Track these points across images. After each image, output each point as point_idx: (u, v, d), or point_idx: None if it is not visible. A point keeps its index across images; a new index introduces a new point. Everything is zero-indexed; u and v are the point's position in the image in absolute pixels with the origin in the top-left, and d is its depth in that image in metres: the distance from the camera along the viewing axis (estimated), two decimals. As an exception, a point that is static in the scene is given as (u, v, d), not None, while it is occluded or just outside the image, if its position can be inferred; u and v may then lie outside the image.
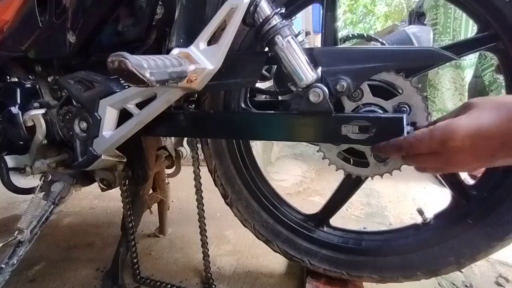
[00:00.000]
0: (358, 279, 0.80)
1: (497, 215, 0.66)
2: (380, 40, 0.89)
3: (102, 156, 0.71)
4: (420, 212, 0.76)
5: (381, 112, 0.62)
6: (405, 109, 0.61)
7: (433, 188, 1.69)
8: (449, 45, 0.74)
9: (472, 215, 0.69)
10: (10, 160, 0.83)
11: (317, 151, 0.70)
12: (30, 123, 0.80)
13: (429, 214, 0.76)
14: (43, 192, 0.82)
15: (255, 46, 0.73)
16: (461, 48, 0.67)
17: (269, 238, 0.86)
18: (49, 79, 0.83)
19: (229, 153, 0.85)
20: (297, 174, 2.03)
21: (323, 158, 0.70)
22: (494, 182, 0.68)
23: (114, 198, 1.49)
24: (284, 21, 0.58)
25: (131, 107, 0.67)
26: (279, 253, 0.86)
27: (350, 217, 1.38)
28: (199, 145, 0.87)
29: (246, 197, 0.87)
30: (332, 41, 0.69)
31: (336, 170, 0.70)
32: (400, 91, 0.62)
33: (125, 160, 0.78)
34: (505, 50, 0.64)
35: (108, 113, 0.68)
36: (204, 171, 0.86)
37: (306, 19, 3.90)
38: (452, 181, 0.73)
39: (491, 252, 0.67)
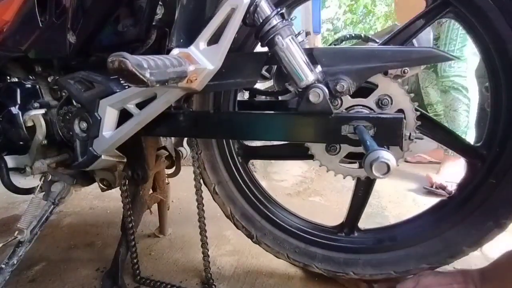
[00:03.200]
0: (406, 274, 0.78)
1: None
2: (378, 40, 0.89)
3: (102, 156, 0.71)
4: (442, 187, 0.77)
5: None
6: (387, 100, 0.63)
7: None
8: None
9: (492, 173, 0.68)
10: (10, 160, 0.83)
11: (319, 167, 0.70)
12: (30, 123, 0.80)
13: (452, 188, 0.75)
14: (43, 192, 0.82)
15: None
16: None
17: (306, 263, 0.85)
18: (49, 79, 0.83)
19: (241, 195, 0.87)
20: (297, 174, 2.03)
21: (327, 171, 0.70)
22: (501, 136, 0.67)
23: (114, 198, 1.49)
24: (284, 21, 0.58)
25: (131, 107, 0.67)
26: (321, 273, 0.85)
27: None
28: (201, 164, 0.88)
29: (270, 230, 0.88)
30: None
31: (344, 178, 0.70)
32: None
33: (125, 160, 0.78)
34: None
35: (108, 113, 0.68)
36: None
37: (306, 19, 3.89)
38: (459, 147, 0.73)
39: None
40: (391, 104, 0.62)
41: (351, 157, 0.69)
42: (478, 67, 1.78)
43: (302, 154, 0.72)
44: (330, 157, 0.68)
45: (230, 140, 0.87)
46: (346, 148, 0.67)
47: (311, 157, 0.70)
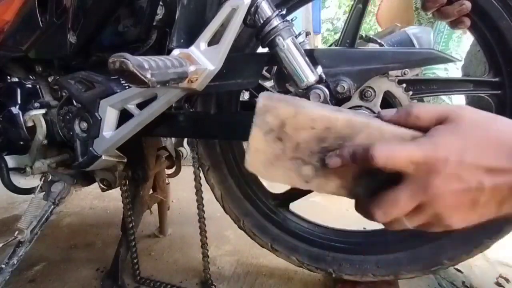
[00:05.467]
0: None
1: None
2: (379, 41, 0.89)
3: (103, 156, 0.71)
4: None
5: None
6: (370, 93, 0.63)
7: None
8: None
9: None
10: (10, 160, 0.83)
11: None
12: (30, 123, 0.79)
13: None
14: (43, 192, 0.82)
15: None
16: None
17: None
18: (50, 79, 0.83)
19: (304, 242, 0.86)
20: (297, 174, 2.02)
21: None
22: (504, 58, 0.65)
23: (114, 198, 1.49)
24: (285, 22, 0.58)
25: (131, 107, 0.67)
26: None
27: (351, 217, 1.38)
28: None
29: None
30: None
31: None
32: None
33: (125, 160, 0.78)
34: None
35: (109, 114, 0.68)
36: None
37: (306, 19, 3.90)
38: (471, 87, 0.69)
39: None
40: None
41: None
42: (466, 64, 1.79)
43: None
44: None
45: (264, 199, 0.88)
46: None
47: None
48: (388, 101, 0.65)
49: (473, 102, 0.90)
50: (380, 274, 0.79)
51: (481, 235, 0.70)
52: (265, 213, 0.88)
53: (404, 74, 0.62)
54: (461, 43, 1.71)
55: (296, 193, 0.88)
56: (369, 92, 0.64)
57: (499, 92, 0.66)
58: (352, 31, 0.68)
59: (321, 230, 0.87)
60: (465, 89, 0.68)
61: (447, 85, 0.69)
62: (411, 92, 0.64)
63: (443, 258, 0.73)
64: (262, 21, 0.58)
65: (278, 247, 0.86)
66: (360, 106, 0.65)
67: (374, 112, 0.64)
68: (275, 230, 0.87)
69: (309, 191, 0.85)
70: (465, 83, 0.68)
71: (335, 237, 0.85)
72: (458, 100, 1.71)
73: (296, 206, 0.89)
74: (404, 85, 0.63)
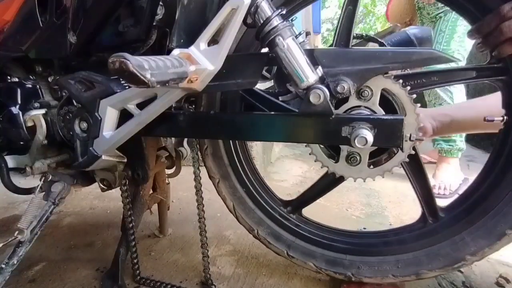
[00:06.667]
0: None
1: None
2: (380, 40, 0.89)
3: (103, 156, 0.71)
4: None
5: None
6: (367, 93, 0.63)
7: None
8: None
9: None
10: (10, 160, 0.83)
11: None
12: (30, 123, 0.79)
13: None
14: (43, 192, 0.82)
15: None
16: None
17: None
18: (50, 79, 0.83)
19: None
20: (297, 174, 2.03)
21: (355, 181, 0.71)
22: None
23: (114, 198, 1.49)
24: (285, 22, 0.58)
25: (131, 107, 0.67)
26: None
27: (350, 217, 1.38)
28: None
29: None
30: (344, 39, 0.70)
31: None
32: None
33: (125, 160, 0.78)
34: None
35: (109, 114, 0.68)
36: (204, 171, 0.86)
37: (306, 19, 3.90)
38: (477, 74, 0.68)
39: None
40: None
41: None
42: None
43: (336, 180, 0.79)
44: (355, 168, 0.68)
45: (277, 207, 0.88)
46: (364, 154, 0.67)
47: (341, 179, 0.73)
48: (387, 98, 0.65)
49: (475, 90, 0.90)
50: (401, 274, 0.76)
51: (503, 225, 0.67)
52: (278, 220, 0.88)
53: (403, 70, 0.62)
54: (463, 43, 1.71)
55: (307, 198, 0.88)
56: (366, 91, 0.64)
57: (504, 77, 0.65)
58: (345, 32, 0.68)
59: (336, 233, 0.86)
60: (468, 78, 0.67)
61: (448, 76, 0.68)
62: (408, 88, 0.64)
63: (466, 254, 0.71)
64: (262, 21, 0.58)
65: (294, 254, 0.85)
66: (359, 106, 0.65)
67: (374, 112, 0.64)
68: (290, 237, 0.87)
69: (321, 194, 0.85)
70: (468, 72, 0.67)
71: (350, 239, 0.84)
72: (458, 97, 1.71)
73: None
74: (401, 81, 0.63)
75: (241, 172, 0.88)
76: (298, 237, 0.86)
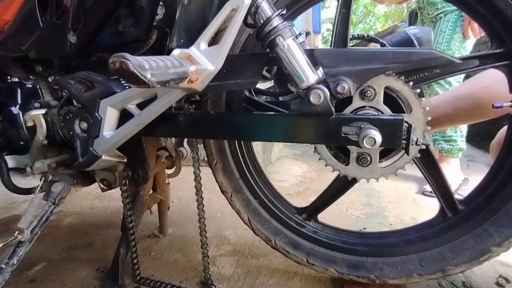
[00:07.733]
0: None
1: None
2: (381, 41, 0.89)
3: (103, 156, 0.71)
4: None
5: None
6: (370, 92, 0.63)
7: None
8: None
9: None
10: (10, 160, 0.83)
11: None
12: (30, 123, 0.79)
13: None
14: (43, 192, 0.81)
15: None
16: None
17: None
18: (50, 79, 0.83)
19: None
20: (297, 174, 2.03)
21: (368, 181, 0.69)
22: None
23: (114, 198, 1.49)
24: (285, 22, 0.58)
25: (131, 107, 0.67)
26: None
27: (350, 217, 1.38)
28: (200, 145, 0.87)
29: None
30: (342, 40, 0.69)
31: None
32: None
33: (125, 160, 0.78)
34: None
35: (109, 114, 0.68)
36: (204, 171, 0.86)
37: (306, 19, 3.90)
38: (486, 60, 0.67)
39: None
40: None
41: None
42: None
43: (348, 183, 0.77)
44: (367, 168, 0.67)
45: (292, 215, 0.87)
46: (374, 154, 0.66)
47: (354, 181, 0.72)
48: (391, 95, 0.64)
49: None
50: (426, 273, 0.74)
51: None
52: (295, 228, 0.87)
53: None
54: (463, 44, 1.71)
55: (321, 203, 0.87)
56: (369, 91, 0.63)
57: (507, 62, 0.64)
58: (342, 33, 0.69)
59: (355, 236, 0.85)
60: (471, 67, 0.66)
61: (451, 67, 0.66)
62: (411, 83, 0.63)
63: (491, 245, 0.68)
64: (262, 21, 0.58)
65: (314, 261, 0.84)
66: (364, 107, 0.65)
67: (381, 112, 0.64)
68: (308, 244, 0.85)
69: (335, 198, 0.84)
70: (470, 61, 0.66)
71: (370, 241, 0.83)
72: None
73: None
74: (403, 77, 0.62)
75: (253, 184, 0.88)
76: (316, 244, 0.85)
